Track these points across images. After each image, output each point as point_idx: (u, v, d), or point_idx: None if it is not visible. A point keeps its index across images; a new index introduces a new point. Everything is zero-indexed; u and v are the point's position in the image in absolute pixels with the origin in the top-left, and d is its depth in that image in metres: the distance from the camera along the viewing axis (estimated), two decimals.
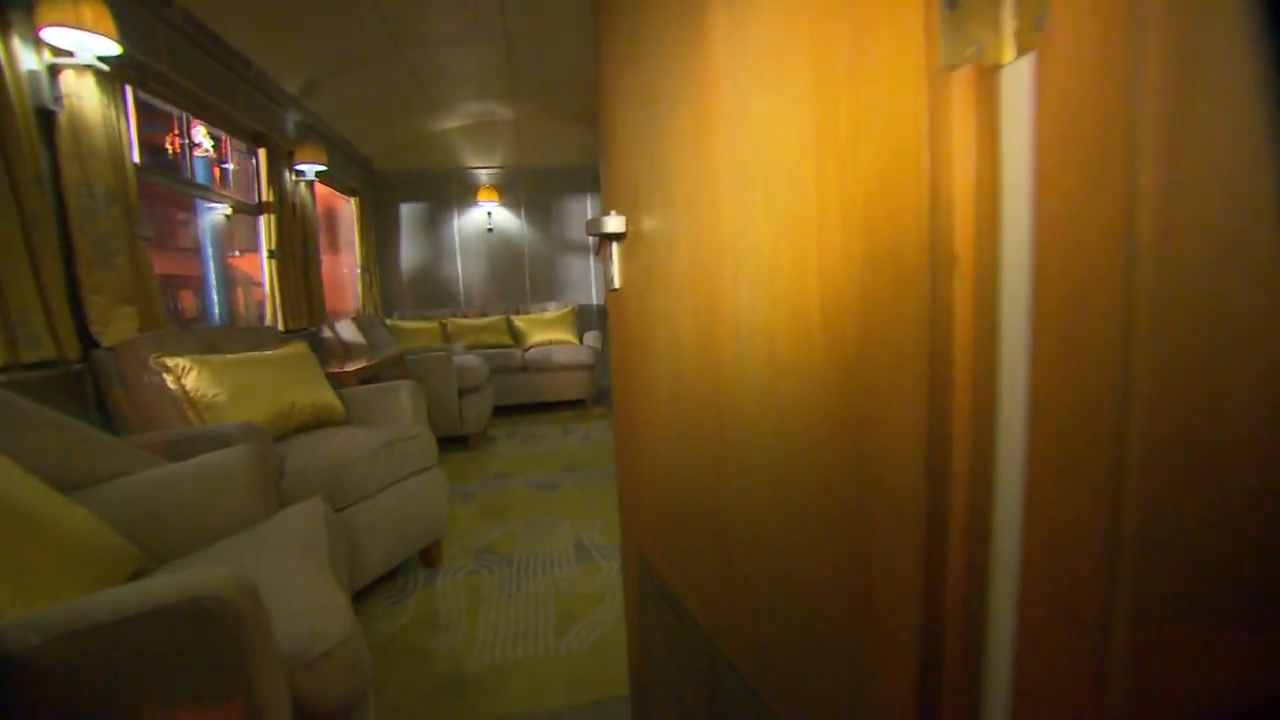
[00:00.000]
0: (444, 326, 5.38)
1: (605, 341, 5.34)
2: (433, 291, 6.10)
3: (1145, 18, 0.29)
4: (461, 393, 3.98)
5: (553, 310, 5.77)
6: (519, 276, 6.27)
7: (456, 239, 6.10)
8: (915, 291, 0.41)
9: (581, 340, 5.49)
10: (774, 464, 0.62)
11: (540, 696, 1.55)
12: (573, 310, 5.69)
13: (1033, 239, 0.36)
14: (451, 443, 3.96)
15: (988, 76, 0.38)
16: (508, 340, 5.47)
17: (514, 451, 3.98)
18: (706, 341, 0.73)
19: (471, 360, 4.21)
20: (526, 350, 5.23)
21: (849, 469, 0.50)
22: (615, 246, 0.99)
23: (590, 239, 4.94)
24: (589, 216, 5.93)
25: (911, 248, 0.41)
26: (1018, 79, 0.37)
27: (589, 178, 6.23)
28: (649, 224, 0.87)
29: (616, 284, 1.02)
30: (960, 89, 0.39)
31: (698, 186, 0.72)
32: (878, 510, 0.47)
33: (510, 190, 6.15)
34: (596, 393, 5.30)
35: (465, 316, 5.63)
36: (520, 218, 6.22)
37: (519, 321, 5.59)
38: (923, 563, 0.43)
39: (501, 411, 4.99)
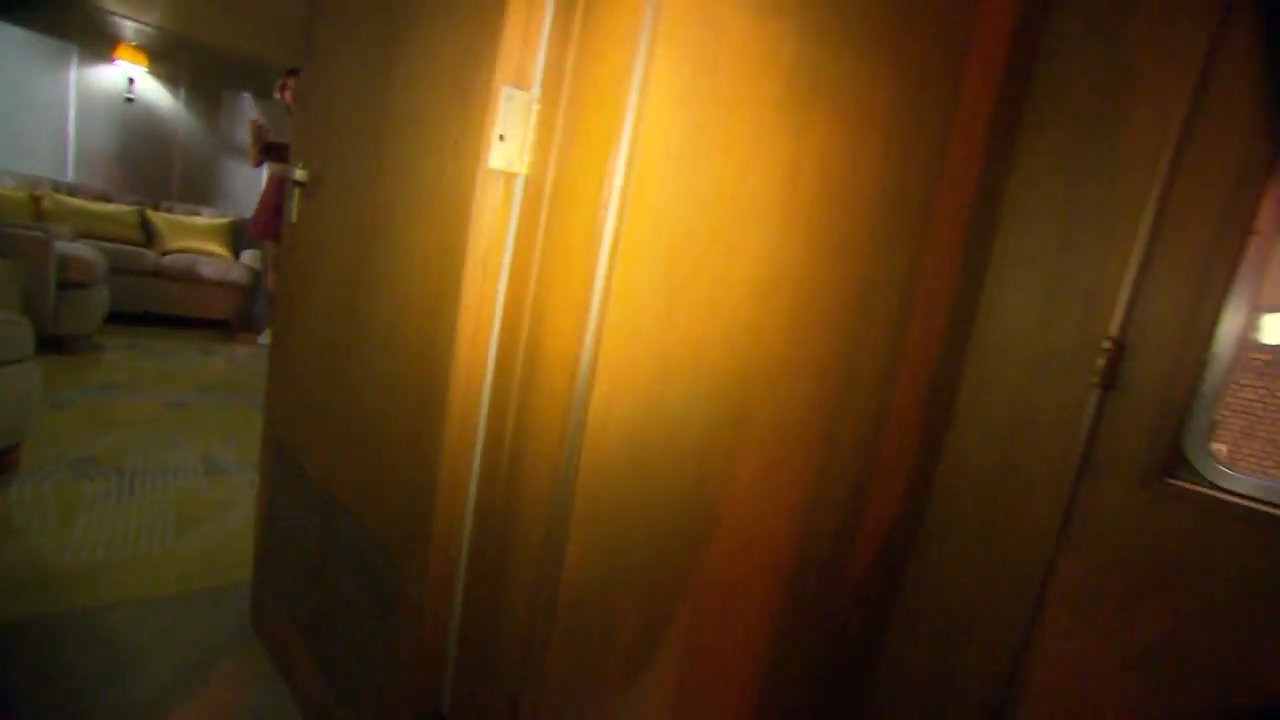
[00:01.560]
0: (37, 200, 4.29)
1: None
2: (20, 149, 4.75)
3: (544, 180, 0.74)
4: (62, 286, 3.33)
5: (206, 217, 5.05)
6: (165, 167, 5.30)
7: (73, 93, 4.86)
8: (455, 268, 0.82)
9: (238, 257, 4.94)
10: (387, 358, 0.98)
11: (148, 588, 1.62)
12: (232, 223, 5.07)
13: (510, 263, 0.80)
14: (39, 343, 3.29)
15: (511, 178, 0.80)
16: (138, 237, 4.62)
17: (131, 363, 3.49)
18: (355, 274, 1.05)
19: (80, 250, 3.53)
20: (165, 254, 4.52)
21: (423, 362, 0.89)
22: (298, 190, 1.21)
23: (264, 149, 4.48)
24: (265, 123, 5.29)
25: (456, 249, 0.81)
26: (521, 183, 0.80)
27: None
28: (329, 180, 1.14)
29: (294, 219, 1.24)
30: (496, 179, 0.80)
31: (368, 169, 1.03)
32: (432, 389, 0.87)
33: (168, 61, 5.14)
34: (248, 317, 4.85)
35: (74, 194, 4.56)
36: (179, 99, 5.25)
37: (158, 219, 4.76)
38: (443, 415, 0.84)
39: (120, 319, 4.24)
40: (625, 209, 0.66)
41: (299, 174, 1.16)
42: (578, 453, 0.69)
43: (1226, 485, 1.06)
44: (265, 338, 4.48)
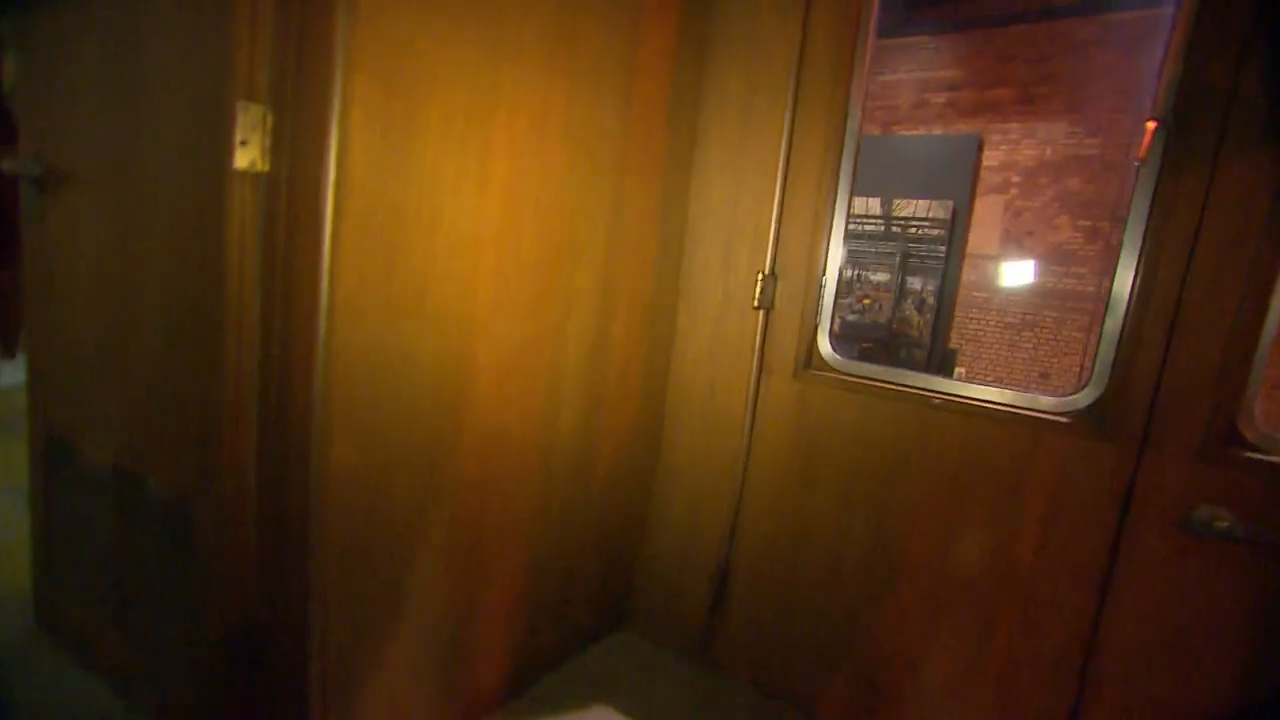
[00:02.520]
0: None
1: None
2: None
3: (281, 174, 0.94)
4: None
5: None
6: None
7: None
8: (218, 247, 0.98)
9: None
10: (166, 331, 1.10)
11: None
12: None
13: (262, 241, 0.98)
14: None
15: (255, 176, 0.98)
16: None
17: None
18: (121, 261, 1.15)
19: None
20: None
21: (201, 325, 1.04)
22: (35, 185, 1.24)
23: None
24: None
25: (216, 234, 0.98)
26: (264, 179, 0.98)
27: None
28: (78, 175, 1.20)
29: (34, 215, 1.27)
30: (242, 177, 0.97)
31: (124, 168, 1.13)
32: (211, 345, 1.03)
33: None
34: None
35: None
36: None
37: None
38: (222, 370, 1.01)
39: None
40: (343, 191, 0.89)
41: (33, 169, 1.20)
42: (328, 372, 0.92)
43: (841, 369, 1.55)
44: None
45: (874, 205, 6.19)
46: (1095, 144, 7.48)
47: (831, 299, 1.58)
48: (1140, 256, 1.19)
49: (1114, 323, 1.23)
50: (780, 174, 1.55)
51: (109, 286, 1.19)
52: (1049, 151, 7.82)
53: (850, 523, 1.51)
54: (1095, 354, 1.27)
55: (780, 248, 1.58)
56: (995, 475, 1.34)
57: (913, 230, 6.24)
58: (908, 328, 6.22)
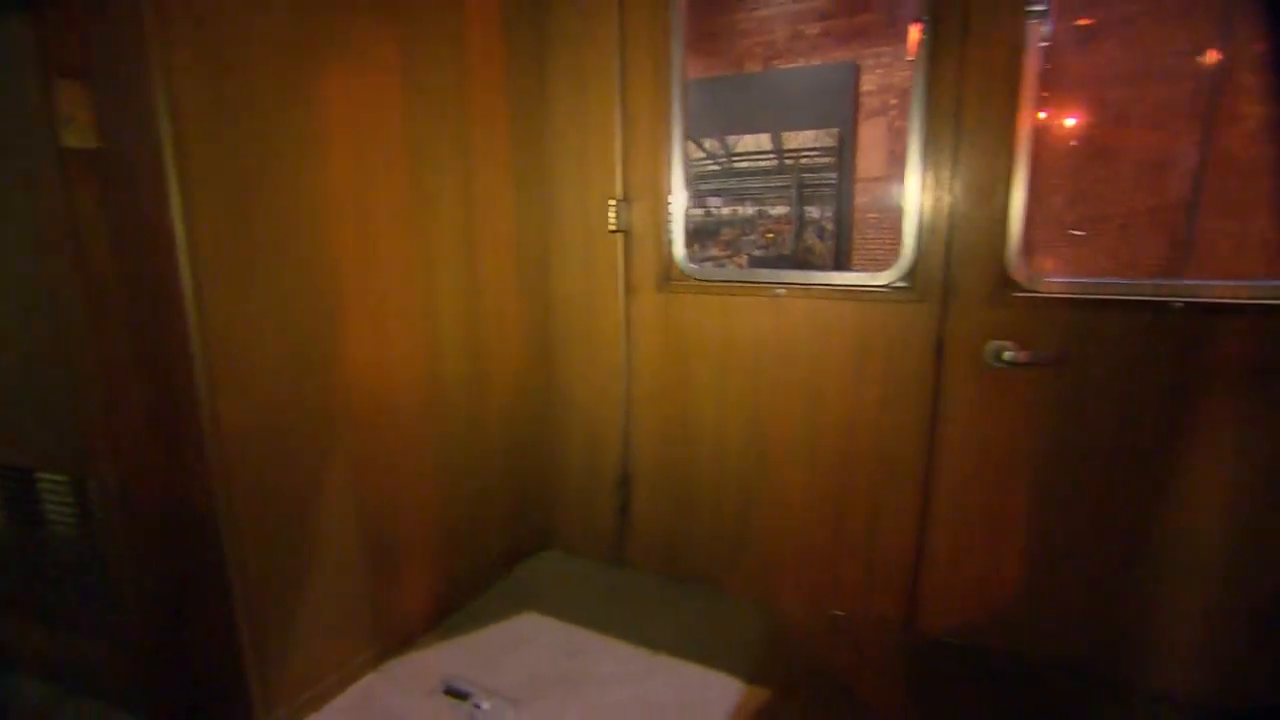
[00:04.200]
0: None
1: None
2: None
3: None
4: None
5: None
6: None
7: None
8: (57, 238, 1.02)
9: None
10: (27, 310, 1.13)
11: None
12: None
13: (109, 217, 1.02)
14: None
15: (87, 154, 1.01)
16: None
17: None
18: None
19: None
20: None
21: (59, 321, 1.07)
22: None
23: None
24: None
25: (49, 219, 1.02)
26: (99, 154, 1.02)
27: None
28: None
29: None
30: (76, 157, 1.00)
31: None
32: (83, 323, 1.06)
33: None
34: None
35: None
36: None
37: None
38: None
39: None
40: (184, 159, 0.96)
41: None
42: (203, 333, 1.00)
43: (698, 277, 1.71)
44: None
45: (765, 141, 6.33)
46: None
47: (681, 217, 1.72)
48: (923, 142, 1.39)
49: (912, 204, 1.43)
50: (618, 114, 1.68)
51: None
52: None
53: (726, 413, 1.70)
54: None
55: (628, 176, 1.71)
56: (840, 348, 1.55)
57: (805, 160, 6.41)
58: (812, 256, 6.46)
